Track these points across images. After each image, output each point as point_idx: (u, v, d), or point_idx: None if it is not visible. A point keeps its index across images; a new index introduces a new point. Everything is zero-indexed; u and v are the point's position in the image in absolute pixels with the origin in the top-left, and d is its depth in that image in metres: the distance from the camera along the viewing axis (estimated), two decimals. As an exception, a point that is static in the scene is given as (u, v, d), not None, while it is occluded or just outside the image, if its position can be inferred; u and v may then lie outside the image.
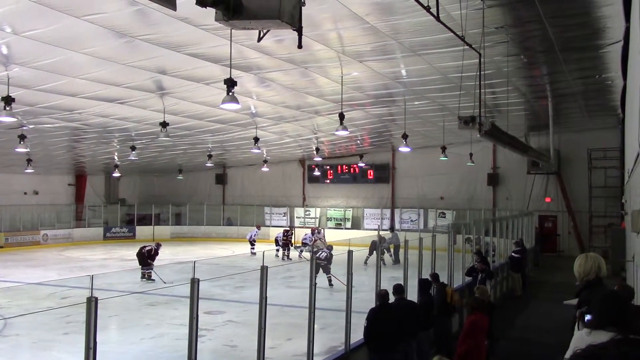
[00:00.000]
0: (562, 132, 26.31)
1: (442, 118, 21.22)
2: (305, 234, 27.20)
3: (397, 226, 32.99)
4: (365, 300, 9.78)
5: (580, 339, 3.51)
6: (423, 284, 10.65)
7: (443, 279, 12.06)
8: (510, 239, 20.44)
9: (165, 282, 17.79)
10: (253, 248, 27.52)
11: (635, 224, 6.73)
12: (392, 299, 9.21)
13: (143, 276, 20.02)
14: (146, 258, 20.35)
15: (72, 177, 36.68)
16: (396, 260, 22.50)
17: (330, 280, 17.85)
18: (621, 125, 21.65)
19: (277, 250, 26.98)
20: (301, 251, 25.89)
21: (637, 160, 7.06)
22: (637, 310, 4.91)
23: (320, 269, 17.10)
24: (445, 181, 31.95)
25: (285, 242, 27.27)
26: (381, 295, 8.67)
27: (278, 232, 29.03)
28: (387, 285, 9.52)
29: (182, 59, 12.63)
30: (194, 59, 12.71)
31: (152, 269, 19.93)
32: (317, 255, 18.31)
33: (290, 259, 26.01)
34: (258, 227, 29.86)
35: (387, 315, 8.46)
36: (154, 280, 19.63)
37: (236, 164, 37.71)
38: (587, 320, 3.57)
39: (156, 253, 20.51)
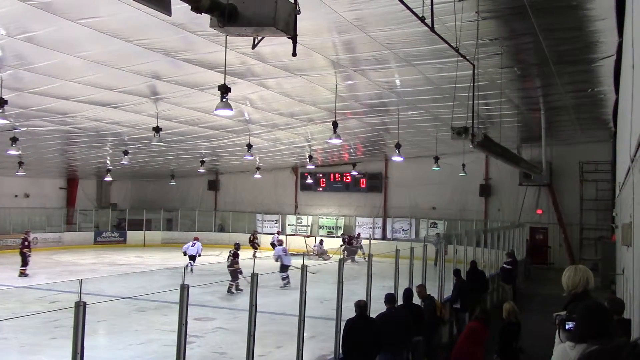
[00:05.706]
0: (555, 144, 26.43)
1: (435, 128, 21.29)
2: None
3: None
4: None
5: (564, 353, 3.50)
6: (407, 294, 10.60)
7: (434, 288, 12.01)
8: (502, 250, 20.47)
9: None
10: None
11: (626, 237, 6.75)
12: (384, 308, 9.19)
13: None
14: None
15: (63, 180, 36.49)
16: None
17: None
18: (613, 139, 21.75)
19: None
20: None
21: (628, 173, 7.09)
22: (619, 323, 4.91)
23: None
24: (438, 191, 31.98)
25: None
26: (359, 305, 8.52)
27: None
28: (379, 294, 9.49)
29: (177, 64, 12.63)
30: (189, 65, 12.71)
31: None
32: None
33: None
34: (196, 239, 23.79)
35: (364, 326, 8.34)
36: None
37: (229, 170, 37.65)
38: (568, 328, 3.56)
39: None
